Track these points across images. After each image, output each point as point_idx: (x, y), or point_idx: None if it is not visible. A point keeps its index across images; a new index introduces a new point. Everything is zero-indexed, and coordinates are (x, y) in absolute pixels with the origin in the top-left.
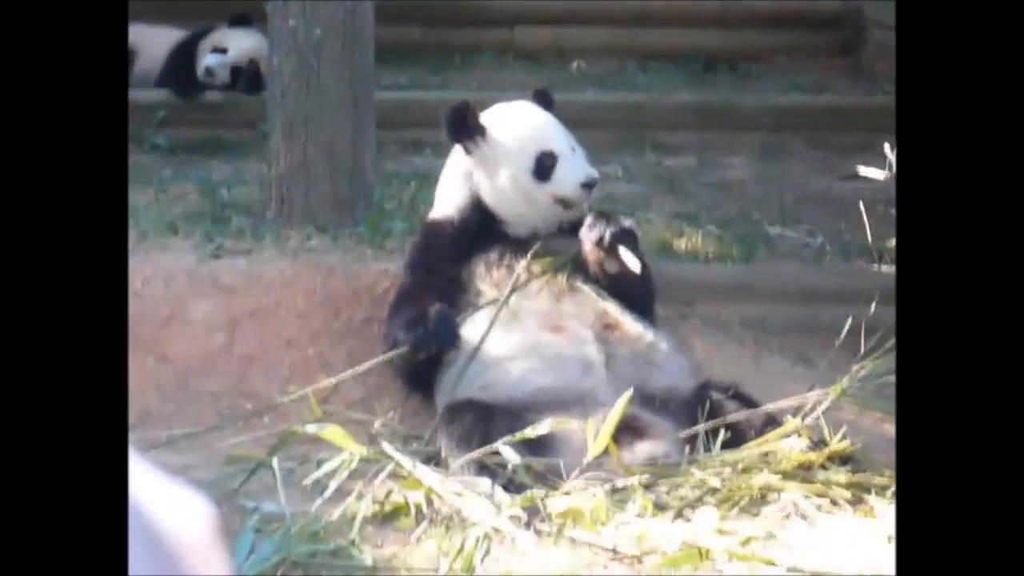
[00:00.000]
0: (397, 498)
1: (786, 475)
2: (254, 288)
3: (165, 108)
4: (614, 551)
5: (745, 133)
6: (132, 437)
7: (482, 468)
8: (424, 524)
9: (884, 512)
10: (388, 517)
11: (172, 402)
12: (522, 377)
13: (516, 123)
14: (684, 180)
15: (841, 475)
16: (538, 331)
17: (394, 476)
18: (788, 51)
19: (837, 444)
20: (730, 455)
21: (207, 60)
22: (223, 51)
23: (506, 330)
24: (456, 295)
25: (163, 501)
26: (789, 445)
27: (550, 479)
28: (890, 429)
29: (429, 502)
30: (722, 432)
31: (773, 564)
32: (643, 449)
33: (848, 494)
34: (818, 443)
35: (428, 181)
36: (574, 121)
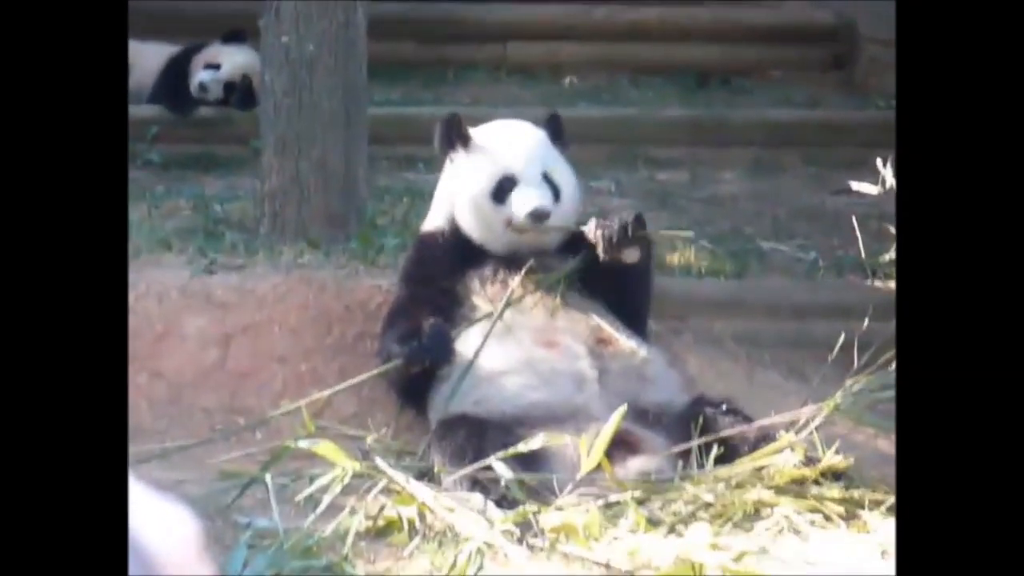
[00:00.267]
0: (390, 513)
1: (779, 490)
2: (247, 303)
3: (158, 124)
4: (607, 566)
5: (737, 148)
6: None
7: (475, 483)
8: (417, 539)
9: (878, 527)
10: (381, 532)
11: (165, 417)
12: (515, 392)
13: (495, 142)
14: (676, 195)
15: (834, 490)
16: (532, 346)
17: (387, 491)
18: (781, 66)
19: (830, 459)
20: (723, 470)
21: (200, 76)
22: (216, 67)
23: (500, 345)
24: (450, 308)
25: (148, 514)
26: (782, 460)
27: (543, 494)
28: (883, 444)
29: (422, 517)
30: (715, 447)
31: None
32: (636, 464)
33: (841, 509)
34: (811, 458)
35: (421, 197)
36: (566, 136)
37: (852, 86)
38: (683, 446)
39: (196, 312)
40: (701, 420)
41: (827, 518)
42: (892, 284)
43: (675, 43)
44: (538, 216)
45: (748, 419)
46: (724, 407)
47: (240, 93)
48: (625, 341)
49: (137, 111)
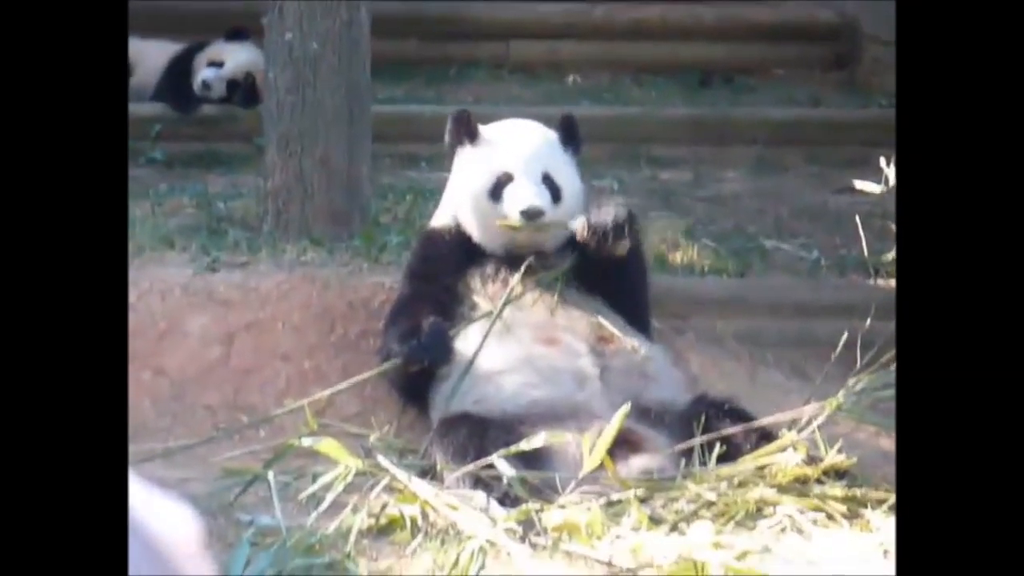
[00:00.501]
0: (392, 511)
1: (782, 489)
2: (250, 301)
3: (161, 121)
4: (609, 565)
5: (740, 146)
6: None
7: (477, 481)
8: (419, 537)
9: (880, 526)
10: (383, 530)
11: (168, 415)
12: (517, 390)
13: (499, 140)
14: (679, 194)
15: (837, 489)
16: (532, 344)
17: (389, 489)
18: (783, 65)
19: (833, 458)
20: (726, 469)
21: (203, 74)
22: (219, 65)
23: (500, 343)
24: (452, 306)
25: (149, 510)
26: (785, 459)
27: (545, 492)
28: (886, 443)
29: (424, 515)
30: (717, 446)
31: None
32: (638, 463)
33: (844, 508)
34: (814, 457)
35: (423, 195)
36: (580, 138)
37: (855, 85)
38: (685, 444)
39: (199, 310)
40: (703, 419)
41: (830, 517)
42: (894, 283)
43: (678, 42)
44: (530, 215)
45: (750, 418)
46: (726, 406)
47: (243, 91)
48: (627, 339)
49: (140, 109)
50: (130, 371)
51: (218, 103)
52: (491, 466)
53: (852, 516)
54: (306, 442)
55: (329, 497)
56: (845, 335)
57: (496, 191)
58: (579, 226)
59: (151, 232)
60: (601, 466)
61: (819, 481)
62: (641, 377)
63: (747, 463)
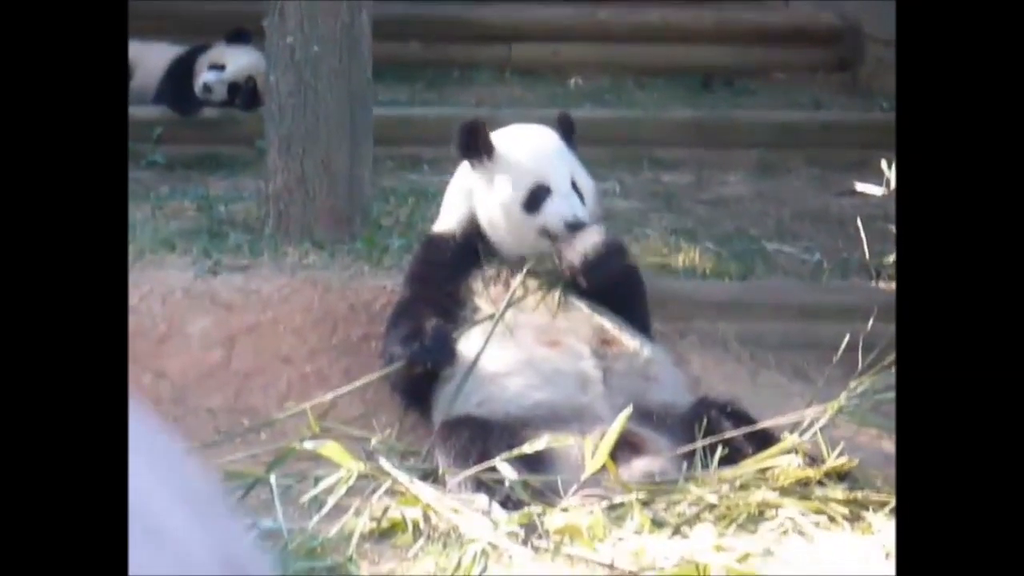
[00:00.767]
0: (394, 514)
1: (784, 492)
2: (251, 304)
3: (162, 124)
4: (611, 567)
5: (742, 149)
6: None
7: (479, 484)
8: (421, 541)
9: (882, 528)
10: (385, 534)
11: (169, 418)
12: (519, 392)
13: (522, 150)
14: (681, 196)
15: (839, 492)
16: (534, 346)
17: (391, 492)
18: (785, 67)
19: (835, 461)
20: (728, 472)
21: (205, 77)
22: (221, 68)
23: (502, 346)
24: (453, 310)
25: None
26: (787, 462)
27: (547, 495)
28: (887, 445)
29: (426, 518)
30: (719, 448)
31: None
32: (640, 465)
33: (846, 511)
34: (816, 460)
35: (425, 198)
36: (576, 137)
37: (857, 88)
38: (687, 447)
39: (200, 313)
40: (705, 421)
41: (831, 519)
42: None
43: (679, 44)
44: (574, 227)
45: (752, 420)
46: (728, 408)
47: (245, 94)
48: (629, 341)
49: (141, 112)
50: (131, 374)
51: (219, 106)
52: (493, 469)
53: (854, 519)
54: (308, 445)
55: (331, 500)
56: (847, 338)
57: (532, 203)
58: (565, 259)
59: (152, 235)
60: (603, 469)
61: (821, 484)
62: (643, 379)
63: (749, 466)
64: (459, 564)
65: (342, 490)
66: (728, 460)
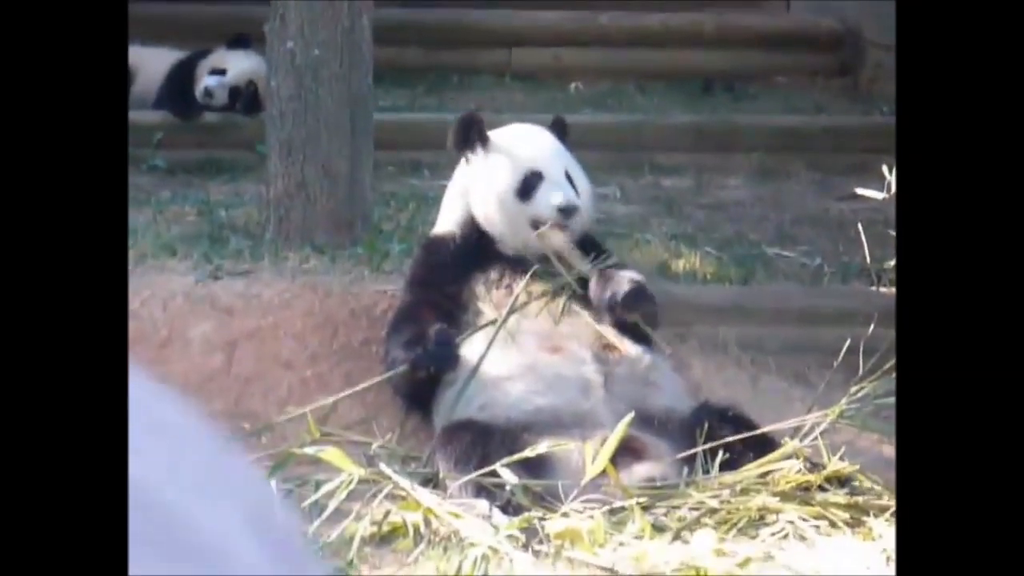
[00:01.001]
0: (395, 519)
1: (784, 496)
2: (252, 309)
3: (163, 129)
4: (612, 572)
5: (743, 154)
6: None
7: (480, 489)
8: (422, 545)
9: (883, 533)
10: (386, 538)
11: None
12: (521, 398)
13: (515, 141)
14: (682, 201)
15: (839, 496)
16: (536, 351)
17: (392, 497)
18: (786, 72)
19: (835, 465)
20: (728, 476)
21: (206, 81)
22: (222, 72)
23: (504, 350)
24: (455, 313)
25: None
26: (787, 466)
27: (548, 500)
28: (888, 450)
29: (427, 523)
30: (720, 453)
31: None
32: (641, 470)
33: (847, 515)
34: (816, 464)
35: (426, 202)
36: (571, 142)
37: (857, 92)
38: (688, 452)
39: (201, 318)
40: (706, 426)
41: (832, 524)
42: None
43: (680, 49)
44: (568, 210)
45: (753, 425)
46: (729, 413)
47: (245, 98)
48: (630, 346)
49: (142, 117)
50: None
51: (220, 111)
52: (494, 474)
53: (855, 523)
54: (308, 450)
55: (332, 505)
56: (847, 342)
57: (525, 190)
58: (594, 293)
59: (153, 240)
60: (604, 474)
61: (821, 488)
62: (645, 385)
63: (750, 471)
64: (460, 569)
65: (343, 495)
66: (729, 465)
